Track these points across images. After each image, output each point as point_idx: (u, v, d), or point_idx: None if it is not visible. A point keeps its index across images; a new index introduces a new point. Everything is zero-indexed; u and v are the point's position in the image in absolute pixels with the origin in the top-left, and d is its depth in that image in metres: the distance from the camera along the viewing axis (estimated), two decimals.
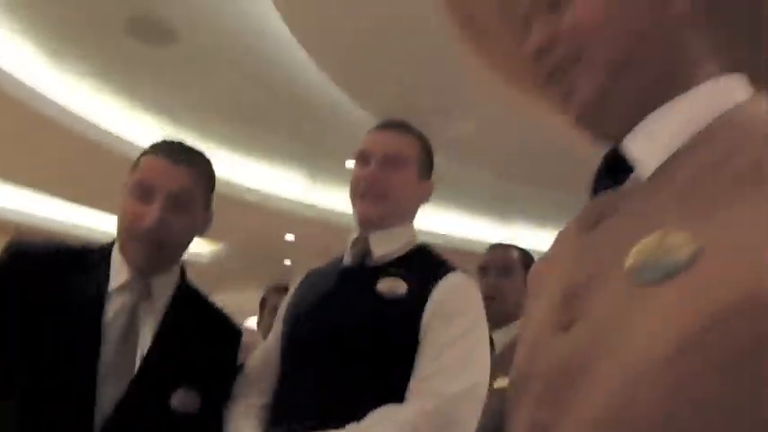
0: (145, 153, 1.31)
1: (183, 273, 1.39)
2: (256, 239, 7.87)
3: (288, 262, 8.70)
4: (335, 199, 6.30)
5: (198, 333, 1.33)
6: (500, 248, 2.21)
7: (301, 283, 1.50)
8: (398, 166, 1.37)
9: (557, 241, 0.76)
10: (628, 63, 0.63)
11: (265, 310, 2.98)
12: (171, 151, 1.29)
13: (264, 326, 2.91)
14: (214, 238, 8.38)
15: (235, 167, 6.17)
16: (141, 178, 1.26)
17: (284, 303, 1.50)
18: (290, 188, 6.59)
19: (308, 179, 6.48)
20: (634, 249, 0.54)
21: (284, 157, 6.03)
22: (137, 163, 1.30)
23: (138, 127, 5.46)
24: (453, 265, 1.38)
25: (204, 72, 4.61)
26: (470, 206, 6.80)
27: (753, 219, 0.47)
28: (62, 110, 5.05)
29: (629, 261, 0.54)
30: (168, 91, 4.98)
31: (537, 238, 5.86)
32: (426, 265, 1.37)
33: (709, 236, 0.49)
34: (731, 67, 0.63)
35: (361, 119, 4.81)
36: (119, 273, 1.27)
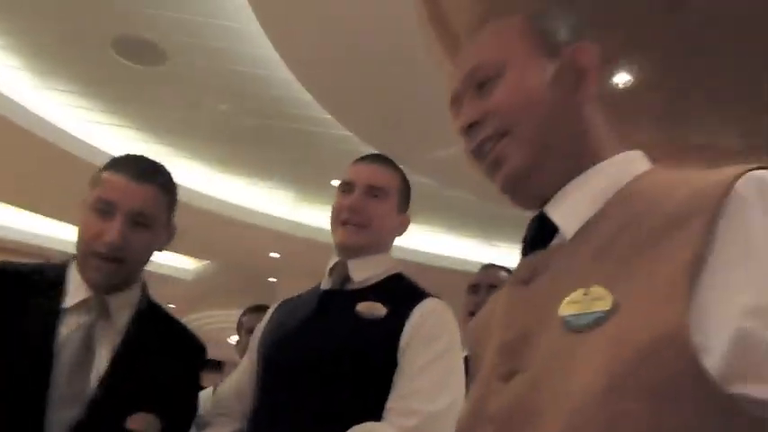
0: (106, 168, 1.28)
1: (144, 290, 1.35)
2: (242, 257, 7.84)
3: (273, 279, 8.67)
4: (321, 217, 6.32)
5: (160, 351, 1.29)
6: (491, 268, 2.31)
7: (276, 311, 1.52)
8: (380, 196, 1.42)
9: (494, 298, 0.84)
10: (547, 139, 0.74)
11: (242, 330, 2.91)
12: (133, 168, 1.26)
13: (242, 346, 2.87)
14: (199, 255, 8.34)
15: (220, 185, 6.18)
16: (102, 195, 1.23)
17: (258, 332, 1.51)
18: (276, 206, 6.59)
19: (293, 197, 6.49)
20: (564, 301, 0.63)
21: (269, 175, 6.04)
22: (97, 178, 1.27)
23: (127, 145, 5.45)
24: (428, 291, 1.42)
25: (191, 91, 4.63)
26: (454, 226, 6.83)
27: (654, 272, 0.57)
28: (52, 127, 5.05)
29: (562, 312, 0.62)
30: (156, 109, 4.99)
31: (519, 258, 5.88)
32: (403, 291, 1.41)
33: (625, 288, 0.59)
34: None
35: (346, 138, 4.85)
36: (76, 291, 1.24)
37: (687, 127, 4.37)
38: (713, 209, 0.56)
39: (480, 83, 0.77)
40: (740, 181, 0.57)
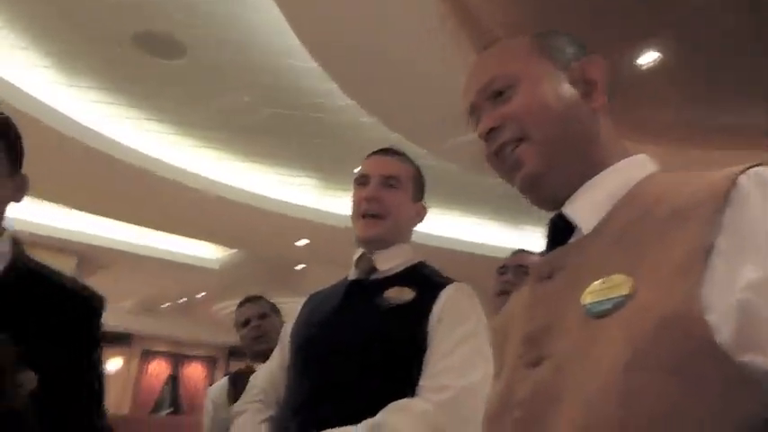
0: None
1: (16, 244, 1.27)
2: (269, 246, 7.92)
3: (301, 266, 8.75)
4: (346, 204, 6.33)
5: (39, 305, 1.20)
6: (519, 252, 2.42)
7: (305, 304, 1.57)
8: (395, 185, 1.48)
9: (514, 297, 0.90)
10: (561, 144, 0.80)
11: (238, 323, 2.83)
12: None
13: (242, 338, 2.86)
14: (227, 244, 8.45)
15: (245, 175, 6.24)
16: None
17: (289, 326, 1.57)
18: (302, 194, 6.65)
19: (318, 185, 6.53)
20: (586, 290, 0.68)
21: (295, 164, 6.09)
22: None
23: (152, 139, 5.54)
24: (452, 278, 1.45)
25: (215, 83, 4.67)
26: (481, 211, 6.82)
27: (667, 258, 0.63)
28: (74, 124, 5.13)
29: (584, 300, 0.68)
30: (180, 102, 5.05)
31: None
32: (428, 277, 1.45)
33: (641, 273, 0.64)
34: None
35: (370, 125, 4.86)
36: None
37: (714, 107, 4.29)
38: (720, 199, 0.63)
39: (496, 93, 0.84)
40: (743, 176, 0.64)
